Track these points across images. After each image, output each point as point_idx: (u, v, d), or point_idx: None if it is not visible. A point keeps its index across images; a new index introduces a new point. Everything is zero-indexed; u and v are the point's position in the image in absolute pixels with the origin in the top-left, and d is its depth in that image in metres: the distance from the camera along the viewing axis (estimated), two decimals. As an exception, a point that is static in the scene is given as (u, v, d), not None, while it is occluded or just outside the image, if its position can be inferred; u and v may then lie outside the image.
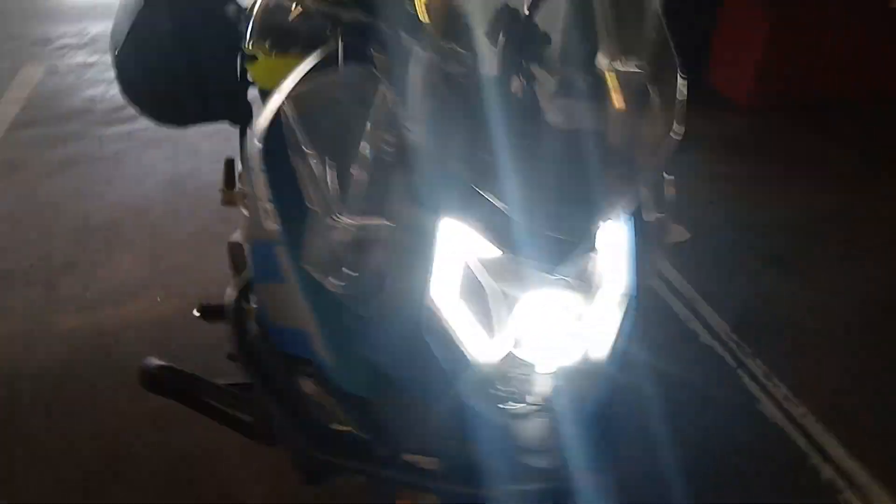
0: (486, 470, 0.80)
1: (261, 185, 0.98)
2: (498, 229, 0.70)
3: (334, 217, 0.75)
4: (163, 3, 1.80)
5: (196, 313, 1.81)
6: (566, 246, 0.72)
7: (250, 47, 1.59)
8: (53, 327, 2.41)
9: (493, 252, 0.73)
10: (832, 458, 2.02)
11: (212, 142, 3.72)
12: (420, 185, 0.71)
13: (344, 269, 0.75)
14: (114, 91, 4.34)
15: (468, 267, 0.73)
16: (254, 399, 1.19)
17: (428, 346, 0.75)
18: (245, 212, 1.41)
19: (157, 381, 1.26)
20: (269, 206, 0.96)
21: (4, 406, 2.11)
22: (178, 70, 1.84)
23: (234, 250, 2.15)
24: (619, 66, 0.75)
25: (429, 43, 0.67)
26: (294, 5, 1.47)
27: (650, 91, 0.76)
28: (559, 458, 0.78)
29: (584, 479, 0.78)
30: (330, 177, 0.76)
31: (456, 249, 0.73)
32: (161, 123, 2.17)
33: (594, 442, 0.78)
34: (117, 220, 3.03)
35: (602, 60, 0.76)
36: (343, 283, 0.75)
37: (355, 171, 0.73)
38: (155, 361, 1.28)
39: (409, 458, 0.86)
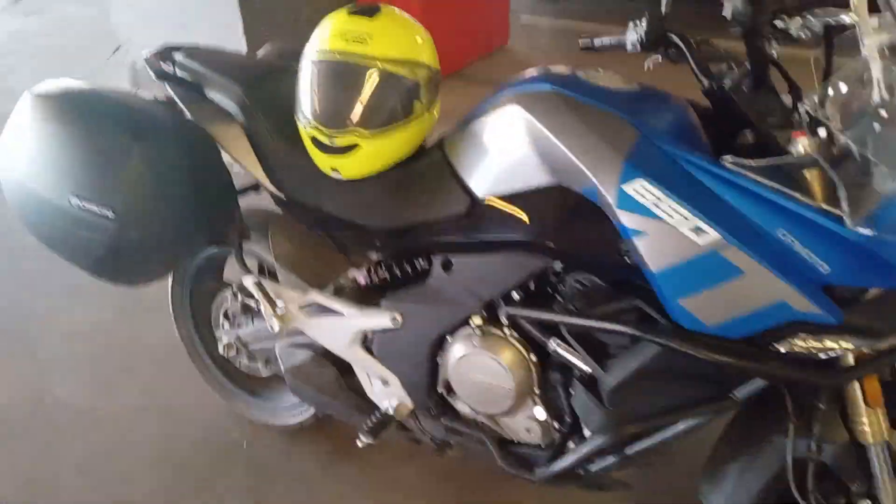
0: None
1: (670, 210, 1.11)
2: None
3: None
4: (161, 138, 1.49)
5: (364, 441, 1.58)
6: None
7: (333, 140, 1.43)
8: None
9: None
10: None
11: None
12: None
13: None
14: None
15: None
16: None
17: None
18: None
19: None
20: (698, 222, 1.08)
21: None
22: (185, 213, 1.54)
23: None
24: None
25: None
26: (367, 79, 1.36)
27: None
28: None
29: None
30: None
31: None
32: (135, 285, 1.77)
33: None
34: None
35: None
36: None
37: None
38: None
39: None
